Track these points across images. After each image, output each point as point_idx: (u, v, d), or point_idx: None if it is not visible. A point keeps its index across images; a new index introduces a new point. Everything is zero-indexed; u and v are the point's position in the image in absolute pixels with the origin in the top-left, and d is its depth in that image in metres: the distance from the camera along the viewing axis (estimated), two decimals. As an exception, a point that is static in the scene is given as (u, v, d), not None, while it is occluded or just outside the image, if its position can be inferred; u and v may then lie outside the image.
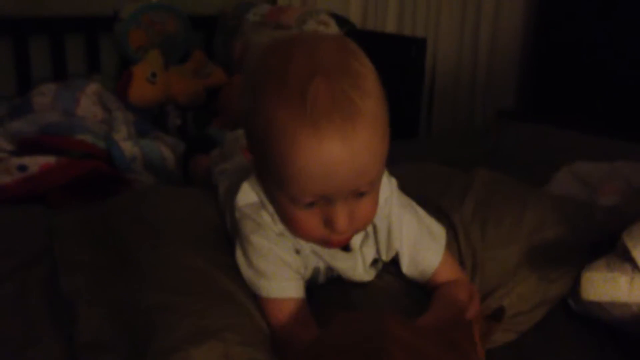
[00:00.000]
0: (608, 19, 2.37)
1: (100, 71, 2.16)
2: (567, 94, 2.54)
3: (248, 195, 0.84)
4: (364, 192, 0.75)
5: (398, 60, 2.07)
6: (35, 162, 1.40)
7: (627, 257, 0.81)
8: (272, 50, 0.75)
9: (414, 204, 0.90)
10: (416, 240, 0.87)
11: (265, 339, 0.79)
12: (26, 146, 1.48)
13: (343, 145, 0.68)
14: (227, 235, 0.94)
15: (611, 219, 0.99)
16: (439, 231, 0.91)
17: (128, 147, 1.57)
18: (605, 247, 0.90)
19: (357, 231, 0.82)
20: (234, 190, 0.87)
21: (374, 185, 0.76)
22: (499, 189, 1.06)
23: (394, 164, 0.90)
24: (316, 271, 0.88)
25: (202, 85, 2.09)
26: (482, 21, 2.72)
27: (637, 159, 1.35)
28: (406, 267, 0.88)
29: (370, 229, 0.86)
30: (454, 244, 0.96)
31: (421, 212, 0.91)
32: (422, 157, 1.37)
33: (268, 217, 0.82)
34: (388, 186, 0.86)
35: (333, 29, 2.03)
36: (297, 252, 0.84)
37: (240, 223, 0.83)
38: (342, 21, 2.10)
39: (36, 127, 1.59)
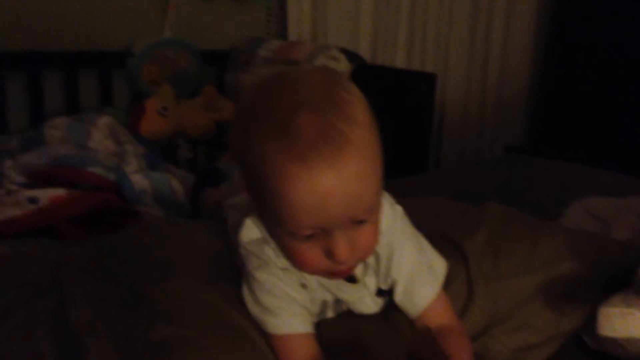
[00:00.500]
0: (616, 56, 2.39)
1: (112, 105, 2.19)
2: (576, 131, 2.54)
3: (251, 231, 0.84)
4: (363, 220, 0.74)
5: (408, 95, 2.08)
6: (46, 195, 1.40)
7: (644, 293, 0.80)
8: (259, 87, 0.76)
9: (418, 234, 0.90)
10: (413, 271, 0.87)
11: None
12: (37, 178, 1.49)
13: (332, 175, 0.69)
14: (237, 269, 0.93)
15: (626, 252, 0.97)
16: (439, 266, 0.91)
17: (138, 179, 1.58)
18: (620, 282, 0.89)
19: (360, 260, 0.81)
20: (239, 225, 0.87)
21: (372, 213, 0.76)
22: (512, 222, 1.05)
23: (403, 198, 0.90)
24: (324, 305, 0.88)
25: (212, 119, 2.11)
26: (490, 57, 2.74)
27: (649, 195, 1.34)
28: (399, 296, 0.87)
29: (371, 258, 0.85)
30: (464, 274, 0.95)
31: (425, 244, 0.90)
32: (431, 191, 1.37)
33: (271, 253, 0.81)
34: (391, 213, 0.86)
35: (343, 64, 2.05)
36: (304, 286, 0.83)
37: (246, 260, 0.83)
38: (352, 56, 2.12)
39: (48, 160, 1.60)
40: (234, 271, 0.93)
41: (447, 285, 0.91)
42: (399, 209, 0.88)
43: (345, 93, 0.73)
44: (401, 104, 2.08)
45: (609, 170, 1.71)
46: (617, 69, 2.38)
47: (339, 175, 0.69)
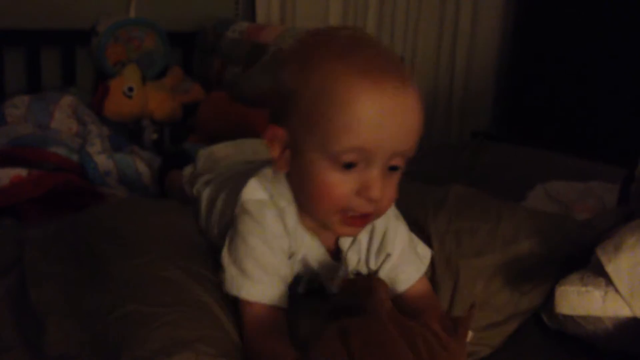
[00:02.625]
0: (583, 43, 2.42)
1: (76, 84, 2.14)
2: (542, 118, 2.58)
3: (255, 191, 0.84)
4: (397, 166, 0.77)
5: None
6: (6, 175, 1.38)
7: (601, 272, 0.82)
8: (310, 35, 0.81)
9: (402, 217, 0.92)
10: (404, 251, 0.89)
11: (237, 353, 0.78)
12: (-3, 158, 1.46)
13: (398, 100, 0.73)
14: (203, 247, 0.93)
15: (584, 232, 0.99)
16: (424, 251, 0.94)
17: (102, 160, 1.55)
18: (579, 261, 0.91)
19: (377, 214, 0.81)
20: (230, 193, 0.88)
21: (405, 162, 0.79)
22: (474, 202, 1.07)
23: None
24: (296, 281, 0.88)
25: (179, 101, 2.08)
26: (458, 44, 2.76)
27: (610, 180, 1.37)
28: (385, 272, 0.88)
29: (362, 235, 0.87)
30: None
31: (407, 227, 0.92)
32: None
33: (271, 217, 0.82)
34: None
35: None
36: (291, 257, 0.84)
37: (239, 219, 0.83)
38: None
39: (8, 140, 1.57)
40: (200, 249, 0.92)
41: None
42: None
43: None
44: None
45: (573, 156, 1.74)
46: (584, 57, 2.41)
47: (403, 102, 0.74)
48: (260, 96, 1.91)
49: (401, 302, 0.88)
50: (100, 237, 0.96)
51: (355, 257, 0.89)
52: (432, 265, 0.95)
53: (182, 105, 2.08)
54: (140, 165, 1.62)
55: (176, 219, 1.00)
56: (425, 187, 1.18)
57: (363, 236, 0.88)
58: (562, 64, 2.51)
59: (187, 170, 1.24)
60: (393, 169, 0.77)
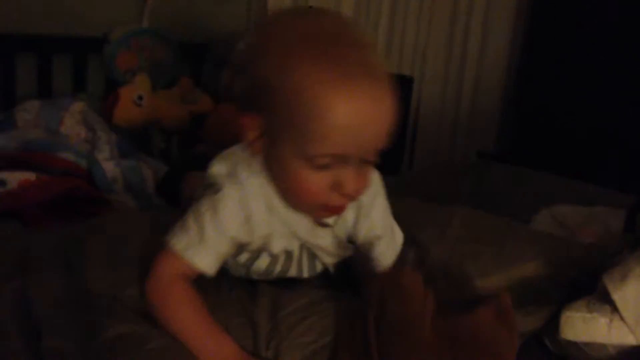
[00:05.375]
0: (590, 66, 2.43)
1: (86, 91, 2.15)
2: (548, 139, 2.58)
3: (219, 165, 0.86)
4: (369, 160, 0.79)
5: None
6: (15, 178, 1.38)
7: (607, 299, 0.82)
8: (286, 16, 0.82)
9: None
10: (384, 231, 0.93)
11: None
12: (7, 162, 1.46)
13: (375, 106, 0.75)
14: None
15: (589, 256, 1.00)
16: (399, 236, 0.97)
17: (110, 167, 1.56)
18: (583, 284, 0.91)
19: (353, 201, 0.84)
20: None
21: (377, 156, 0.80)
22: (479, 225, 1.07)
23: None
24: (286, 257, 0.91)
25: (188, 111, 2.09)
26: (467, 63, 2.77)
27: (615, 205, 1.37)
28: (380, 251, 0.93)
29: (350, 213, 0.90)
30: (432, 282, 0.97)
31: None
32: (403, 193, 1.38)
33: (229, 208, 0.83)
34: (376, 173, 0.91)
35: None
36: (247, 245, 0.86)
37: (207, 188, 0.85)
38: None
39: (18, 144, 1.58)
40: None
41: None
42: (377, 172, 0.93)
43: (366, 39, 0.79)
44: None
45: (578, 179, 1.74)
46: (591, 79, 2.42)
47: (379, 105, 0.75)
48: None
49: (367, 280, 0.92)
50: (94, 255, 0.96)
51: (343, 231, 0.91)
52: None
53: (191, 116, 2.09)
54: (146, 173, 1.63)
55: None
56: (429, 207, 1.18)
57: (349, 213, 0.90)
58: (570, 86, 2.51)
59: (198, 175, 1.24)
60: (367, 162, 0.79)
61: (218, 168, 0.87)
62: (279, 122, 0.78)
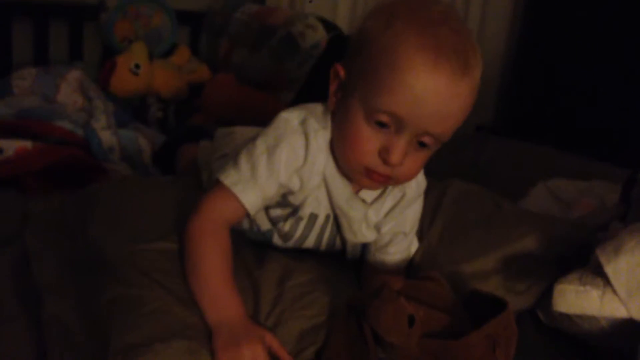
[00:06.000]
0: (589, 41, 2.42)
1: (83, 59, 2.14)
2: (546, 113, 2.58)
3: (292, 113, 0.88)
4: (426, 144, 0.80)
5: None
6: (11, 146, 1.38)
7: (600, 272, 0.83)
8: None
9: None
10: (410, 232, 0.97)
11: None
12: (3, 129, 1.46)
13: (449, 86, 0.75)
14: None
15: (577, 232, 1.00)
16: (415, 247, 1.01)
17: (106, 136, 1.56)
18: (572, 260, 0.92)
19: (395, 180, 0.85)
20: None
21: (436, 144, 0.81)
22: (470, 204, 1.07)
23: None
24: (310, 220, 0.93)
25: (185, 80, 2.08)
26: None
27: (612, 180, 1.37)
28: (404, 248, 0.97)
29: (388, 200, 0.92)
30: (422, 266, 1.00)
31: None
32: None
33: (289, 148, 0.85)
34: (424, 178, 0.95)
35: (320, 33, 2.04)
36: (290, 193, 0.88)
37: (266, 129, 0.87)
38: (329, 26, 2.11)
39: (14, 111, 1.57)
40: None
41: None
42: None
43: (473, 40, 0.81)
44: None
45: (576, 153, 1.74)
46: (592, 53, 2.41)
47: (452, 88, 0.76)
48: (266, 79, 1.91)
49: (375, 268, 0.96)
50: (96, 218, 0.97)
51: (375, 215, 0.93)
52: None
53: (188, 85, 2.08)
54: (143, 142, 1.62)
55: (178, 198, 1.00)
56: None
57: (389, 200, 0.92)
58: (569, 60, 2.50)
59: (205, 143, 1.24)
60: (422, 145, 0.80)
61: (289, 115, 0.88)
62: (357, 69, 0.80)
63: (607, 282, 0.82)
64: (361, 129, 0.80)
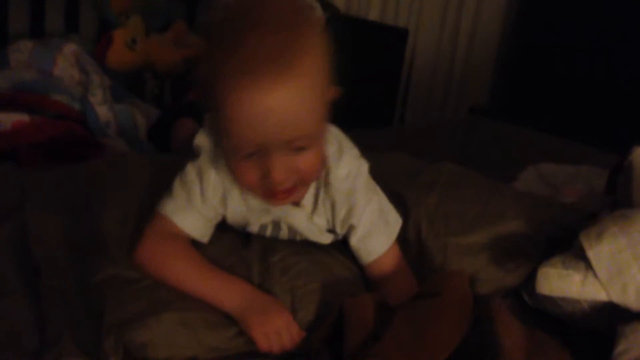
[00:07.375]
0: (585, 24, 2.42)
1: (79, 32, 2.13)
2: (540, 96, 2.59)
3: (204, 138, 0.88)
4: (303, 146, 0.78)
5: (379, 49, 2.08)
6: (8, 119, 1.39)
7: (582, 256, 0.85)
8: (229, 5, 0.79)
9: (378, 190, 0.94)
10: (372, 222, 0.92)
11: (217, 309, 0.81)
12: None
13: (275, 96, 0.73)
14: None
15: (569, 215, 1.03)
16: (395, 220, 0.96)
17: (103, 111, 1.57)
18: (562, 243, 0.94)
19: (299, 185, 0.84)
20: None
21: (313, 141, 0.79)
22: (464, 183, 1.09)
23: (366, 152, 0.94)
24: (263, 228, 0.92)
25: (182, 55, 2.08)
26: (462, 17, 2.75)
27: (601, 165, 1.39)
28: (356, 241, 0.92)
29: (327, 202, 0.90)
30: (414, 234, 1.01)
31: (383, 199, 0.95)
32: (394, 146, 1.40)
33: (211, 183, 0.86)
34: (356, 165, 0.90)
35: (317, 12, 2.03)
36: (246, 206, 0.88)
37: (202, 157, 0.87)
38: (326, 5, 2.10)
39: (11, 84, 1.57)
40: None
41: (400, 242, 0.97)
42: (364, 163, 0.92)
43: (302, 18, 0.77)
44: (371, 57, 2.08)
45: (566, 138, 1.76)
46: (588, 36, 2.41)
47: (278, 97, 0.73)
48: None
49: (370, 272, 0.93)
50: (94, 195, 0.98)
51: (322, 219, 0.91)
52: (421, 243, 0.99)
53: (184, 60, 2.08)
54: (139, 118, 1.63)
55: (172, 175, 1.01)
56: (417, 164, 1.20)
57: (325, 205, 0.90)
58: (565, 43, 2.51)
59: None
60: (299, 149, 0.78)
61: (201, 140, 0.88)
62: (212, 116, 0.82)
63: (589, 266, 0.84)
64: (236, 163, 0.80)
